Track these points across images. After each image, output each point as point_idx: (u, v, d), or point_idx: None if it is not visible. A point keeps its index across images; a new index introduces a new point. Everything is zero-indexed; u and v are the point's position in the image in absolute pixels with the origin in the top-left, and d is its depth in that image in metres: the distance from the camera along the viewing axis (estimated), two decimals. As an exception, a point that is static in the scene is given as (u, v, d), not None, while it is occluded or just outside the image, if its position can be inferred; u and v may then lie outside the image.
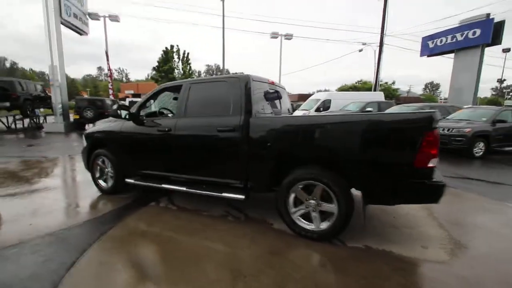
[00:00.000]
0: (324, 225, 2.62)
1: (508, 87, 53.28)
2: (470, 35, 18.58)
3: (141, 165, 3.78)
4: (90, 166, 4.19)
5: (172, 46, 31.75)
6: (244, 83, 3.02)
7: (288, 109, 4.16)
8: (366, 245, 2.60)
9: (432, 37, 21.37)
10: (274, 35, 18.88)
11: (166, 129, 3.38)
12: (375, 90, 23.22)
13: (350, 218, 2.50)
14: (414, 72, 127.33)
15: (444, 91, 77.29)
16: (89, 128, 4.47)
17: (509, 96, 49.26)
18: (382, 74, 23.07)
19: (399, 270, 2.20)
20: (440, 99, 52.99)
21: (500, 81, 39.13)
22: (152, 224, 3.06)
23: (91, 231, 2.88)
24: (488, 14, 17.91)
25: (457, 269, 2.25)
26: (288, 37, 19.08)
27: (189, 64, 33.27)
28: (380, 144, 2.33)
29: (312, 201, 2.67)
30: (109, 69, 16.99)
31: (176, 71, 32.20)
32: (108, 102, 12.99)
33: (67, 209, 3.53)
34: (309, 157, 2.66)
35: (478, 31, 18.12)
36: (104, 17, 17.12)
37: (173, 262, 2.30)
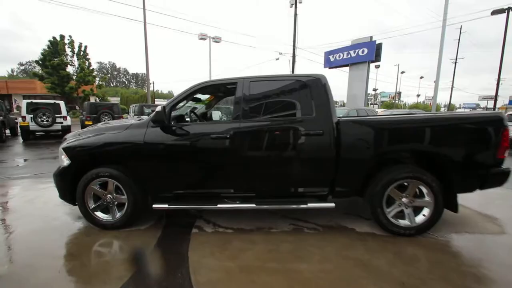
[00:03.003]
0: (419, 220, 2.75)
1: (369, 94, 70.65)
2: (360, 53, 22.94)
3: (178, 183, 2.93)
4: (79, 193, 2.91)
5: (62, 37, 25.67)
6: (324, 83, 2.82)
7: None
8: (446, 233, 2.88)
9: (332, 52, 25.29)
10: (203, 37, 18.17)
11: (227, 136, 2.75)
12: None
13: (443, 210, 2.73)
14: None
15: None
16: (71, 139, 3.08)
17: (370, 102, 65.00)
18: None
19: (491, 247, 2.58)
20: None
21: (374, 89, 51.53)
22: (236, 257, 2.42)
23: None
24: (371, 37, 22.76)
25: (517, 236, 2.84)
26: (217, 40, 18.77)
27: (88, 59, 27.75)
28: (474, 140, 2.66)
29: (404, 199, 2.76)
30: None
31: (70, 66, 26.25)
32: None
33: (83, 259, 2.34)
34: (407, 157, 2.74)
35: (366, 50, 22.58)
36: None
37: (327, 294, 1.90)
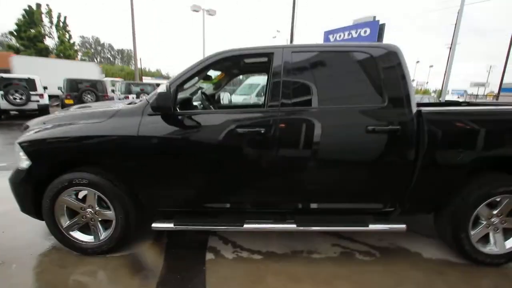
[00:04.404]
0: (510, 245, 2.08)
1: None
2: (362, 33, 21.71)
3: (186, 194, 2.13)
4: (46, 207, 2.06)
5: (39, 5, 23.21)
6: (399, 57, 1.99)
7: None
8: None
9: (332, 32, 23.94)
10: (196, 9, 16.54)
11: (262, 131, 1.92)
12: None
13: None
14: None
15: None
16: (32, 130, 2.17)
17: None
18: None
19: None
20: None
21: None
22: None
23: None
24: (374, 17, 21.57)
25: None
26: (211, 12, 17.17)
27: (68, 32, 25.46)
28: None
29: (495, 219, 2.06)
30: None
31: (49, 39, 24.07)
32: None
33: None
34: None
35: (368, 30, 21.38)
36: None
37: None
